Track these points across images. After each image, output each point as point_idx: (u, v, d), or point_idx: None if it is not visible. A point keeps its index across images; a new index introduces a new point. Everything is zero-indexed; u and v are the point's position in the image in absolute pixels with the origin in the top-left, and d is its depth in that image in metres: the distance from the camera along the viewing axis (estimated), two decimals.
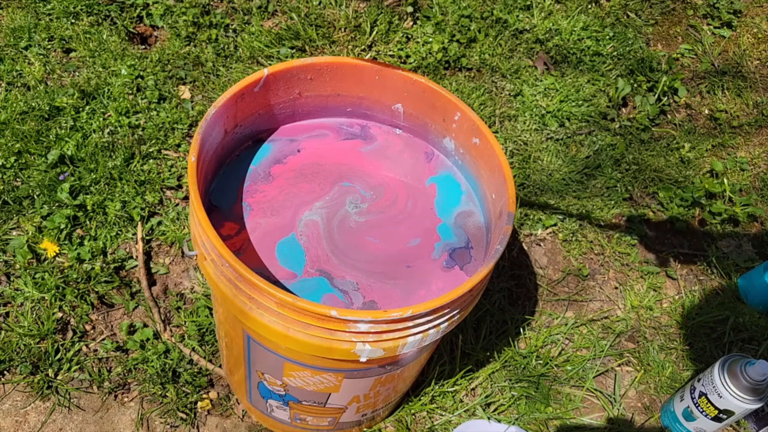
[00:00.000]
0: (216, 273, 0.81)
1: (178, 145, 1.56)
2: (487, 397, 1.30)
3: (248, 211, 0.94)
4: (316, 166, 1.00)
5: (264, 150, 1.01)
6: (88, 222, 1.40)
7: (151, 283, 1.38)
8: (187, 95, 1.66)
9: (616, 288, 1.51)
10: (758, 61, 1.94)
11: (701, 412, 1.21)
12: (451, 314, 0.83)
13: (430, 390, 1.28)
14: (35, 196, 1.41)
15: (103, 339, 1.30)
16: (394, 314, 0.75)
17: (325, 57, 0.97)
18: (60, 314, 1.29)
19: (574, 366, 1.36)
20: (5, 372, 1.24)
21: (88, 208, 1.40)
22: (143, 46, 1.76)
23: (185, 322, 1.32)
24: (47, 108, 1.54)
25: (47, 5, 1.76)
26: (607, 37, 1.89)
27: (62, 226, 1.37)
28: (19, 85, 1.61)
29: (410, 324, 0.79)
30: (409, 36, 1.82)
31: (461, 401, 1.29)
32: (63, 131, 1.51)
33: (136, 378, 1.26)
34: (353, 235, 0.94)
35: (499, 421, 1.26)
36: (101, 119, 1.55)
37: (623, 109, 1.82)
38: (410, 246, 0.94)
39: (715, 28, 2.00)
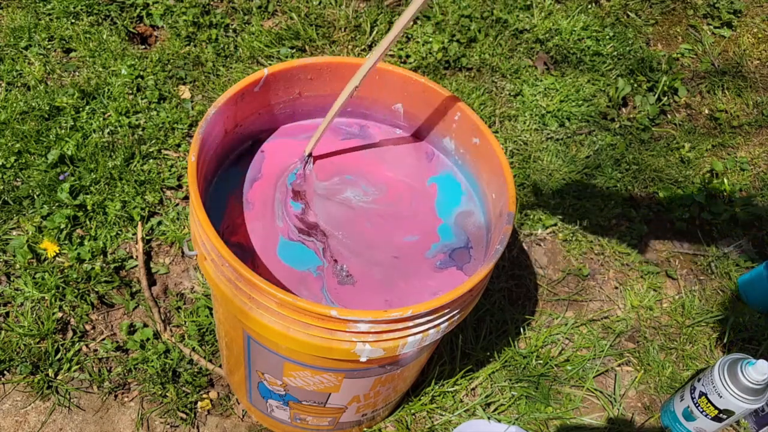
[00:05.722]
0: (216, 273, 0.81)
1: (178, 145, 1.56)
2: (487, 397, 1.30)
3: (249, 209, 0.94)
4: (317, 165, 1.01)
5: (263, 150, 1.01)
6: (88, 222, 1.40)
7: (151, 283, 1.38)
8: (187, 95, 1.66)
9: (616, 288, 1.51)
10: (758, 61, 1.94)
11: (701, 412, 1.21)
12: (451, 314, 0.83)
13: (430, 390, 1.28)
14: (35, 196, 1.41)
15: (103, 339, 1.30)
16: (394, 314, 0.75)
17: (325, 57, 0.97)
18: (60, 314, 1.29)
19: (574, 366, 1.36)
20: (5, 372, 1.24)
21: (88, 208, 1.40)
22: (143, 46, 1.76)
23: (185, 322, 1.32)
24: (47, 108, 1.54)
25: (47, 5, 1.76)
26: (607, 37, 1.89)
27: (62, 226, 1.37)
28: (19, 85, 1.61)
29: (410, 324, 0.79)
30: (409, 36, 1.82)
31: (461, 401, 1.29)
32: (63, 131, 1.51)
33: (136, 378, 1.26)
34: (351, 214, 0.95)
35: (499, 421, 1.26)
36: (101, 119, 1.55)
37: (623, 109, 1.82)
38: (406, 240, 0.95)
39: (715, 28, 2.00)
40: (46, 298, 1.29)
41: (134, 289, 1.36)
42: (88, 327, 1.31)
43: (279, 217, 0.94)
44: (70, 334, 1.29)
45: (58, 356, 1.26)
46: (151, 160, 1.51)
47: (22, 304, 1.29)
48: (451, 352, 1.33)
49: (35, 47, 1.68)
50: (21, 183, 1.44)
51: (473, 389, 1.32)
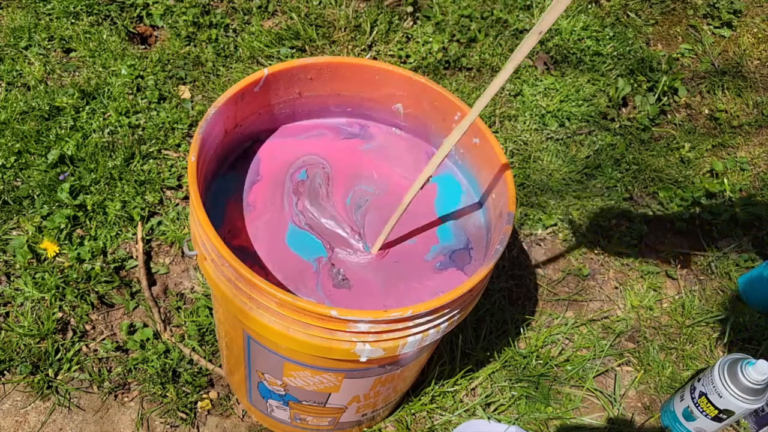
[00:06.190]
0: (216, 273, 0.81)
1: (178, 145, 1.56)
2: (487, 397, 1.30)
3: (249, 210, 0.94)
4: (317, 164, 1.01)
5: (263, 150, 1.01)
6: (88, 222, 1.40)
7: (151, 283, 1.38)
8: (187, 95, 1.66)
9: (616, 288, 1.51)
10: (758, 61, 1.94)
11: (701, 412, 1.21)
12: (451, 314, 0.83)
13: (430, 390, 1.28)
14: (35, 196, 1.41)
15: (103, 339, 1.30)
16: (394, 314, 0.75)
17: (325, 57, 0.97)
18: (60, 314, 1.29)
19: (574, 366, 1.36)
20: (5, 372, 1.24)
21: (88, 208, 1.40)
22: (143, 46, 1.76)
23: (185, 322, 1.32)
24: (47, 108, 1.54)
25: (47, 5, 1.76)
26: (607, 37, 1.89)
27: (62, 226, 1.37)
28: (19, 85, 1.61)
29: (410, 324, 0.79)
30: (409, 36, 1.82)
31: (461, 401, 1.29)
32: (63, 131, 1.51)
33: (136, 378, 1.26)
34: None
35: (499, 421, 1.26)
36: (101, 119, 1.55)
37: (623, 109, 1.82)
38: (405, 244, 0.94)
39: (715, 28, 2.00)
40: (46, 298, 1.29)
41: (134, 289, 1.36)
42: (88, 327, 1.31)
43: (287, 204, 0.94)
44: (70, 334, 1.29)
45: (58, 356, 1.26)
46: (151, 160, 1.51)
47: (22, 304, 1.29)
48: (451, 352, 1.33)
49: (35, 47, 1.68)
50: (21, 183, 1.44)
51: (473, 389, 1.32)
